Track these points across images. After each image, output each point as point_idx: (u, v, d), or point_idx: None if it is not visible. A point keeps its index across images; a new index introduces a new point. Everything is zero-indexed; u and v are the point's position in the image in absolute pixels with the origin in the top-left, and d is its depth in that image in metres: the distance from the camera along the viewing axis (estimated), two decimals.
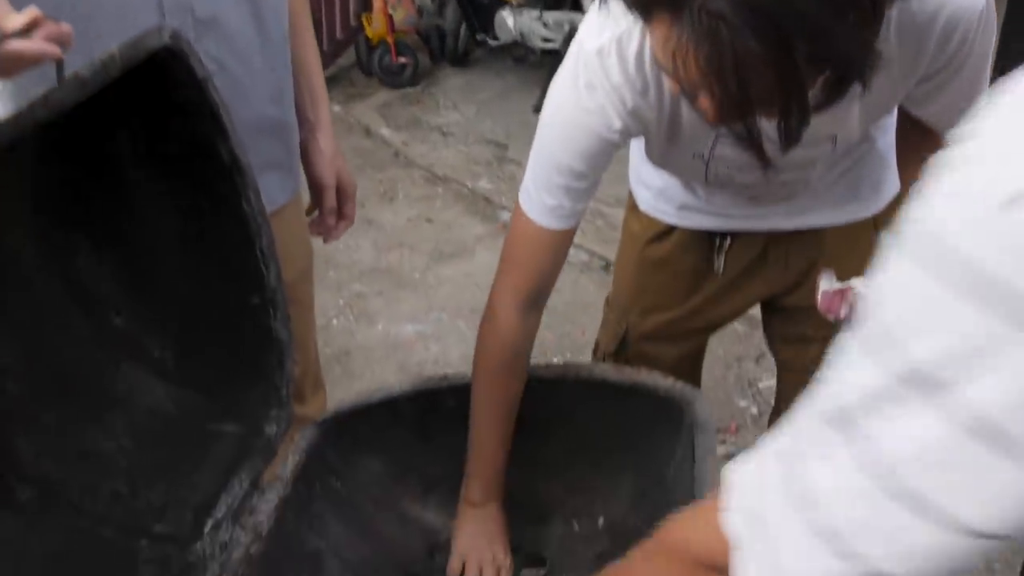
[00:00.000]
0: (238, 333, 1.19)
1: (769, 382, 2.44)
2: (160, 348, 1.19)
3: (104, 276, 1.13)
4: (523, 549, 1.34)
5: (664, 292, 1.45)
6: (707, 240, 1.38)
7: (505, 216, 3.27)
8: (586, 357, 2.57)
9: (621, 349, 1.51)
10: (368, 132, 3.97)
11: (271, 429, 1.22)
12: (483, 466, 1.23)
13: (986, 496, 0.39)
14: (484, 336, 1.21)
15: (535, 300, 1.20)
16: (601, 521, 1.30)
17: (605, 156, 1.09)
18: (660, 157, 1.20)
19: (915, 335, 0.39)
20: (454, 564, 1.23)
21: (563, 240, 1.15)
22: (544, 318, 2.83)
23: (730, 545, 0.51)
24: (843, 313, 1.08)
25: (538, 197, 1.10)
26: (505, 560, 1.22)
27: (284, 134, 1.38)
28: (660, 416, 1.26)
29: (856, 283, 1.08)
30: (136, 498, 1.10)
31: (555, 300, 2.85)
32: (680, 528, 0.64)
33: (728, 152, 1.10)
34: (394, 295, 2.87)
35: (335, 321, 2.73)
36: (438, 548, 1.33)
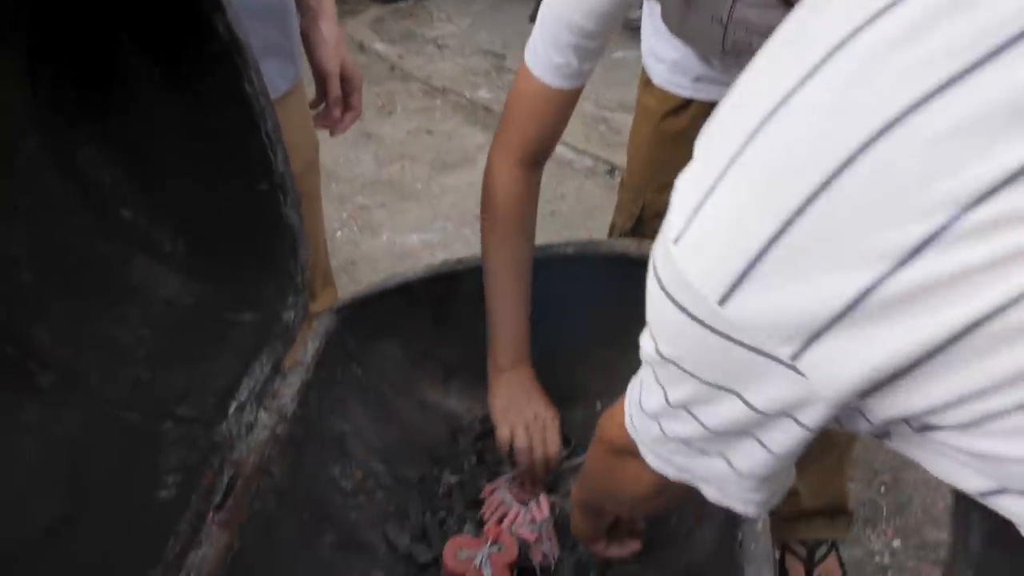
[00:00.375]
0: (249, 222, 1.17)
1: None
2: (171, 241, 1.16)
3: (109, 169, 1.09)
4: None
5: (680, 167, 1.42)
6: None
7: None
8: None
9: (637, 227, 1.49)
10: (362, 47, 3.88)
11: (288, 316, 1.21)
12: (506, 329, 1.19)
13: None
14: (488, 199, 1.18)
15: (536, 159, 1.16)
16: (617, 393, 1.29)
17: (616, 16, 1.04)
18: (677, 24, 1.15)
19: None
20: (502, 433, 1.18)
21: (568, 100, 1.12)
22: (550, 223, 2.80)
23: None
24: None
25: (545, 55, 1.06)
26: (548, 412, 1.18)
27: (281, 17, 1.33)
28: None
29: None
30: (157, 384, 1.08)
31: (561, 206, 2.84)
32: (606, 420, 0.76)
33: (749, 14, 1.06)
34: (397, 206, 2.83)
35: (339, 233, 2.70)
36: (461, 431, 1.32)
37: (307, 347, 1.22)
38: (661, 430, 0.59)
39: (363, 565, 1.10)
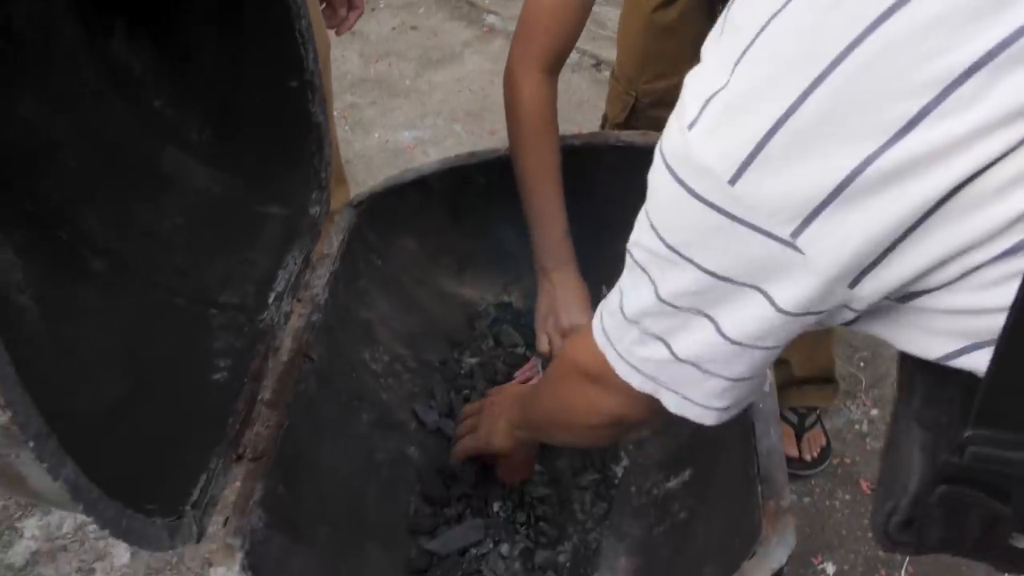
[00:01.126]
0: (277, 117, 1.20)
1: None
2: (199, 131, 1.19)
3: (141, 58, 1.12)
4: None
5: (671, 58, 1.46)
6: (712, 3, 1.38)
7: (490, 19, 3.19)
8: None
9: (631, 118, 1.53)
10: None
11: (315, 210, 1.25)
12: (547, 230, 1.22)
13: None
14: (514, 108, 1.21)
15: (559, 65, 1.20)
16: None
17: None
18: None
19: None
20: (540, 342, 1.22)
21: (586, 3, 1.15)
22: None
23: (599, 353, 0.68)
24: None
25: None
26: (583, 320, 1.18)
27: None
28: None
29: None
30: (198, 272, 1.13)
31: None
32: (574, 342, 0.80)
33: None
34: (387, 104, 2.84)
35: None
36: (477, 317, 1.39)
37: (332, 241, 1.27)
38: (640, 331, 0.61)
39: (397, 440, 1.19)
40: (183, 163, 1.21)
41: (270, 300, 1.15)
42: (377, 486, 1.12)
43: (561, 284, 1.21)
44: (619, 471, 1.18)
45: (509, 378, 1.29)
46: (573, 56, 2.96)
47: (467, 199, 1.38)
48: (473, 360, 1.31)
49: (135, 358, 1.02)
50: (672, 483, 1.10)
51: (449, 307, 1.41)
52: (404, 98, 2.85)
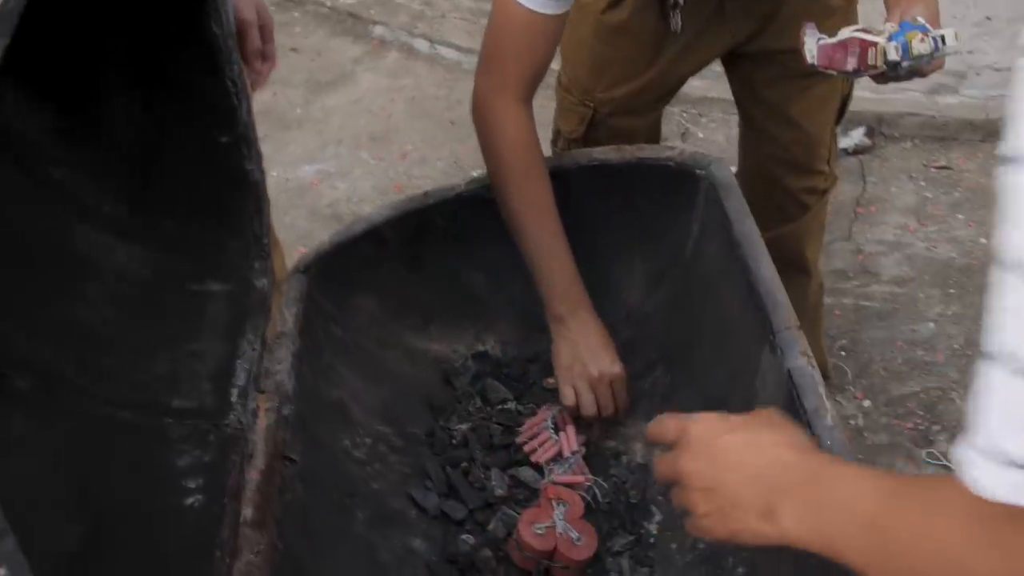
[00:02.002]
0: (207, 179, 1.09)
1: None
2: (112, 203, 1.07)
3: (34, 120, 0.99)
4: (541, 357, 1.34)
5: (627, 61, 1.42)
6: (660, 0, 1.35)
7: (378, 31, 3.09)
8: None
9: (591, 131, 1.48)
10: None
11: (261, 283, 1.15)
12: (555, 274, 1.17)
13: None
14: (495, 144, 1.15)
15: (533, 91, 1.15)
16: (623, 311, 1.31)
17: None
18: None
19: None
20: (566, 393, 1.17)
21: (561, 23, 1.10)
22: (452, 133, 2.74)
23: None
24: (850, 65, 1.08)
25: None
26: (614, 369, 1.17)
27: None
28: (669, 191, 1.25)
29: (855, 33, 1.07)
30: (139, 372, 1.02)
31: (456, 113, 2.78)
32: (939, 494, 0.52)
33: None
34: (280, 137, 2.71)
35: None
36: (454, 374, 1.31)
37: (284, 315, 1.17)
38: None
39: (399, 535, 1.10)
40: (98, 242, 1.09)
41: (233, 397, 1.04)
42: None
43: (580, 330, 1.16)
44: (653, 528, 1.13)
45: (507, 440, 1.21)
46: (472, 57, 2.90)
47: (426, 245, 1.31)
48: (463, 426, 1.23)
49: (86, 493, 0.90)
50: None
51: (421, 367, 1.32)
52: (297, 129, 2.72)
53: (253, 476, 0.98)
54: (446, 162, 2.58)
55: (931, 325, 1.96)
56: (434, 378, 1.32)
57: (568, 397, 1.16)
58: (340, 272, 1.25)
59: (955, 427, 1.73)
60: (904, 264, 2.12)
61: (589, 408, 1.15)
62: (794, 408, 0.91)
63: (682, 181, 1.23)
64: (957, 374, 1.83)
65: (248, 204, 1.11)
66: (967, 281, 2.05)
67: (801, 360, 0.93)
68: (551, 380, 1.32)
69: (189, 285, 1.13)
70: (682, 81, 1.49)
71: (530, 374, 1.32)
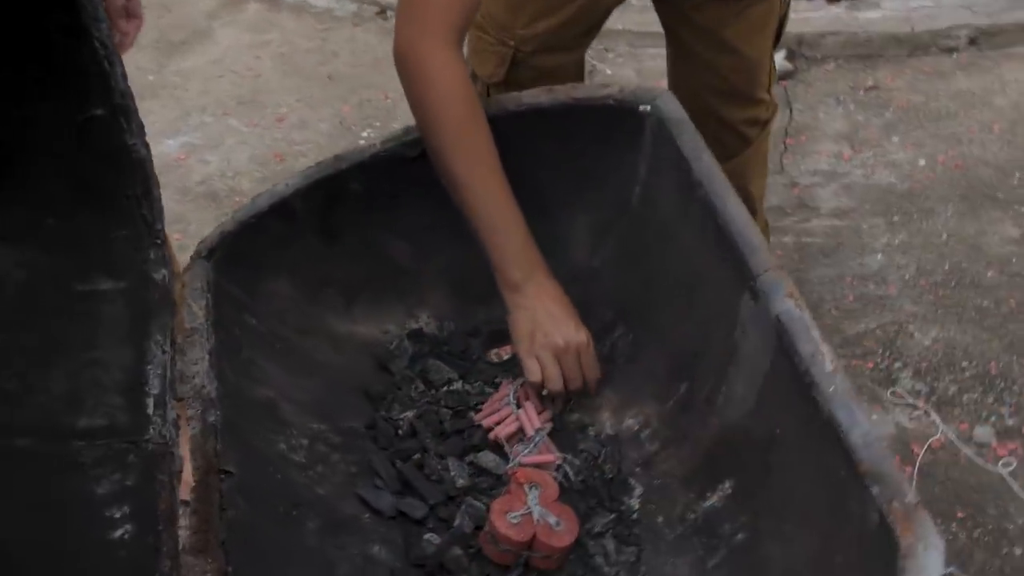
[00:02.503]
0: (82, 161, 1.04)
1: None
2: None
3: None
4: (482, 330, 1.34)
5: None
6: None
7: None
8: (400, 122, 2.51)
9: (513, 73, 1.47)
10: None
11: (160, 274, 1.10)
12: (505, 236, 1.16)
13: None
14: (425, 96, 1.12)
15: (463, 36, 1.14)
16: (568, 271, 1.31)
17: None
18: None
19: None
20: (530, 367, 1.16)
21: None
22: (331, 90, 2.70)
23: None
24: None
25: None
26: (579, 336, 1.16)
27: None
28: (610, 133, 1.26)
29: None
30: (32, 391, 0.98)
31: (336, 65, 2.73)
32: None
33: None
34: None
35: None
36: (389, 358, 1.30)
37: (192, 309, 1.14)
38: None
39: (356, 543, 1.08)
40: None
41: (149, 409, 1.00)
42: None
43: (538, 296, 1.15)
44: (635, 503, 1.14)
45: (460, 425, 1.21)
46: (350, 6, 2.85)
47: (341, 215, 1.28)
48: (408, 414, 1.22)
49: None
50: (711, 500, 1.07)
51: (350, 354, 1.30)
52: (152, 98, 2.63)
53: (186, 496, 0.95)
54: (329, 123, 2.54)
55: (879, 257, 2.04)
56: (366, 364, 1.30)
57: (533, 372, 1.15)
58: (247, 254, 1.22)
59: (918, 362, 1.81)
60: (842, 195, 2.20)
61: (555, 382, 1.16)
62: (787, 356, 0.94)
63: (624, 120, 1.24)
64: (913, 305, 1.92)
65: (133, 185, 1.06)
66: (910, 207, 2.14)
67: (788, 303, 0.96)
68: (495, 352, 1.32)
69: (75, 285, 1.08)
70: (608, 11, 1.49)
71: (473, 349, 1.32)
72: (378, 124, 2.51)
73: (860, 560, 0.85)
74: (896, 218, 2.12)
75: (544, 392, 1.20)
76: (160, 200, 1.12)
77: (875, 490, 0.82)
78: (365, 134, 2.48)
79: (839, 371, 0.90)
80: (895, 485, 0.82)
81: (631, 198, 1.28)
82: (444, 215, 1.25)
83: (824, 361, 0.91)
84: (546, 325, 1.14)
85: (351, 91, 2.60)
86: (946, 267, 1.99)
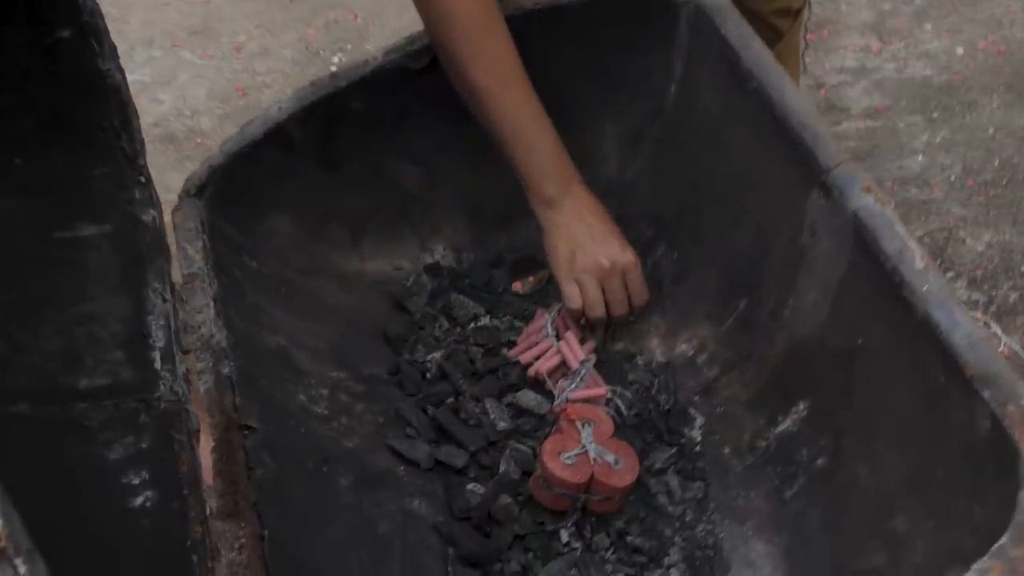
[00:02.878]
0: (51, 91, 1.02)
1: None
2: None
3: None
4: (506, 258, 1.33)
5: None
6: None
7: None
8: (374, 43, 2.46)
9: None
10: None
11: (150, 215, 1.09)
12: (534, 146, 1.13)
13: None
14: (438, 4, 1.09)
15: None
16: (599, 187, 1.29)
17: None
18: None
19: None
20: (569, 292, 1.15)
21: None
22: (291, 12, 2.63)
23: None
24: None
25: None
26: (624, 255, 1.14)
27: None
28: (640, 29, 1.23)
29: None
30: (23, 353, 0.96)
31: None
32: None
33: None
34: None
35: None
36: (406, 296, 1.28)
37: (188, 253, 1.12)
38: None
39: (394, 499, 1.07)
40: None
41: (156, 364, 0.99)
42: (399, 572, 1.01)
43: (576, 212, 1.14)
44: (696, 434, 1.14)
45: (493, 363, 1.20)
46: None
47: (342, 140, 1.26)
48: (435, 355, 1.21)
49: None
50: (784, 425, 1.07)
51: (362, 294, 1.29)
52: None
53: (208, 456, 0.94)
54: (294, 49, 2.48)
55: (920, 158, 2.02)
56: (381, 304, 1.29)
57: (573, 297, 1.14)
58: (241, 189, 1.20)
59: (972, 270, 1.80)
60: (874, 92, 2.18)
61: (598, 308, 1.14)
62: (870, 257, 0.92)
63: (655, 12, 1.21)
64: (961, 208, 1.91)
65: (110, 115, 1.05)
66: (951, 100, 2.12)
67: (868, 198, 0.94)
68: (520, 283, 1.31)
69: (55, 232, 1.06)
70: None
71: (497, 281, 1.31)
72: (349, 47, 2.46)
73: (968, 473, 0.85)
74: (936, 114, 2.11)
75: (582, 321, 1.18)
76: (141, 132, 1.10)
77: (986, 394, 0.81)
78: (336, 59, 2.42)
79: (931, 268, 0.89)
80: (1008, 387, 0.81)
81: (665, 100, 1.26)
82: (458, 133, 1.24)
83: (914, 258, 0.89)
84: (587, 244, 1.13)
85: (315, 12, 2.54)
86: (995, 164, 1.98)
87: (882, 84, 2.20)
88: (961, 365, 0.83)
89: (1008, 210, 1.90)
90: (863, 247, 0.94)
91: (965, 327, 0.84)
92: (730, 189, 1.17)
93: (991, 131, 2.05)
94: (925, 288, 0.88)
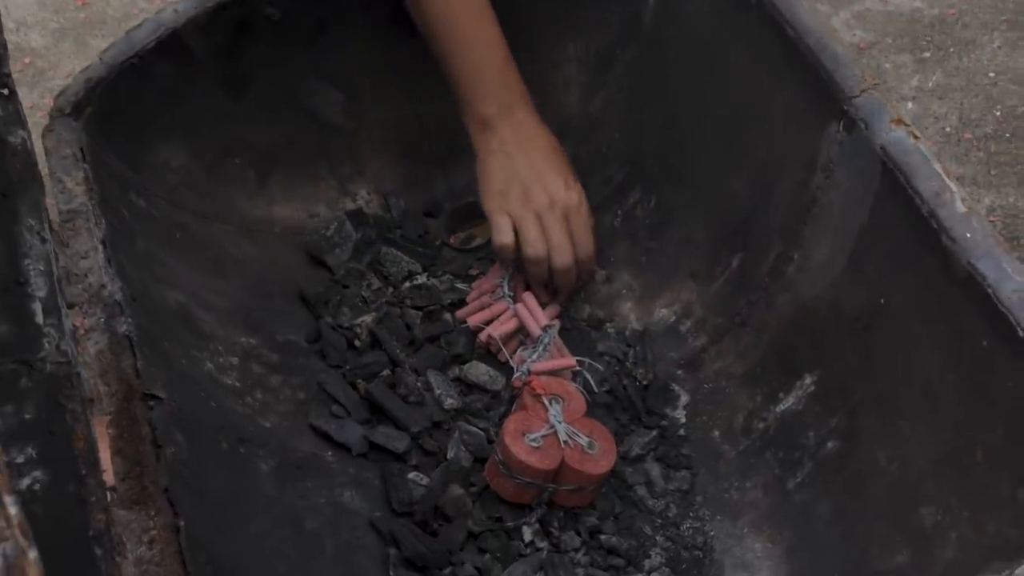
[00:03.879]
0: None
1: None
2: None
3: None
4: (443, 207, 1.34)
5: None
6: None
7: None
8: None
9: None
10: None
11: (17, 136, 1.04)
12: (479, 52, 1.16)
13: None
14: None
15: None
16: (557, 119, 1.31)
17: None
18: None
19: None
20: (500, 230, 1.17)
21: None
22: None
23: None
24: None
25: None
26: (567, 192, 1.17)
27: None
28: None
29: None
30: None
31: None
32: None
33: None
34: None
35: None
36: (323, 249, 1.28)
37: (65, 184, 1.10)
38: None
39: (322, 489, 1.07)
40: None
41: (38, 317, 0.96)
42: (332, 574, 1.02)
43: (518, 137, 1.17)
44: (680, 415, 1.17)
45: (435, 330, 1.22)
46: None
47: (252, 54, 1.27)
48: (364, 319, 1.21)
49: None
50: (786, 403, 1.10)
51: (271, 245, 1.29)
52: None
53: (106, 429, 0.93)
54: None
55: (909, 105, 2.09)
56: (294, 258, 1.29)
57: (503, 230, 1.16)
58: (127, 111, 1.19)
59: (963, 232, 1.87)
60: (855, 26, 2.24)
61: (536, 246, 1.16)
62: (901, 201, 0.95)
63: None
64: (958, 166, 1.98)
65: None
66: (944, 38, 2.20)
67: (899, 131, 0.97)
68: (457, 236, 1.32)
69: None
70: None
71: (434, 233, 1.32)
72: None
73: (1014, 453, 0.88)
74: (927, 54, 2.18)
75: (514, 268, 1.22)
76: (3, 32, 1.08)
77: None
78: None
79: (975, 213, 0.92)
80: None
81: (642, 14, 1.28)
82: (387, 48, 1.26)
83: (954, 201, 0.93)
84: (525, 175, 1.16)
85: None
86: (997, 115, 2.05)
87: (864, 17, 2.26)
88: (1013, 324, 0.86)
89: (1013, 168, 1.98)
90: (891, 189, 0.97)
91: (1016, 280, 0.88)
92: (723, 123, 1.19)
93: (992, 75, 2.13)
94: (968, 235, 0.91)
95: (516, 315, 1.19)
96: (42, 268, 1.00)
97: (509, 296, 1.20)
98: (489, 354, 1.19)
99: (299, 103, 1.30)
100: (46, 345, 0.96)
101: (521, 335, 1.19)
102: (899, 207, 0.97)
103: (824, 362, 1.08)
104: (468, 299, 1.23)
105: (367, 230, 1.30)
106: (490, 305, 1.20)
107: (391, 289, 1.26)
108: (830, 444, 1.06)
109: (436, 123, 1.28)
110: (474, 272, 1.28)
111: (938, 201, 0.93)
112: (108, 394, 0.96)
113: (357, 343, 1.20)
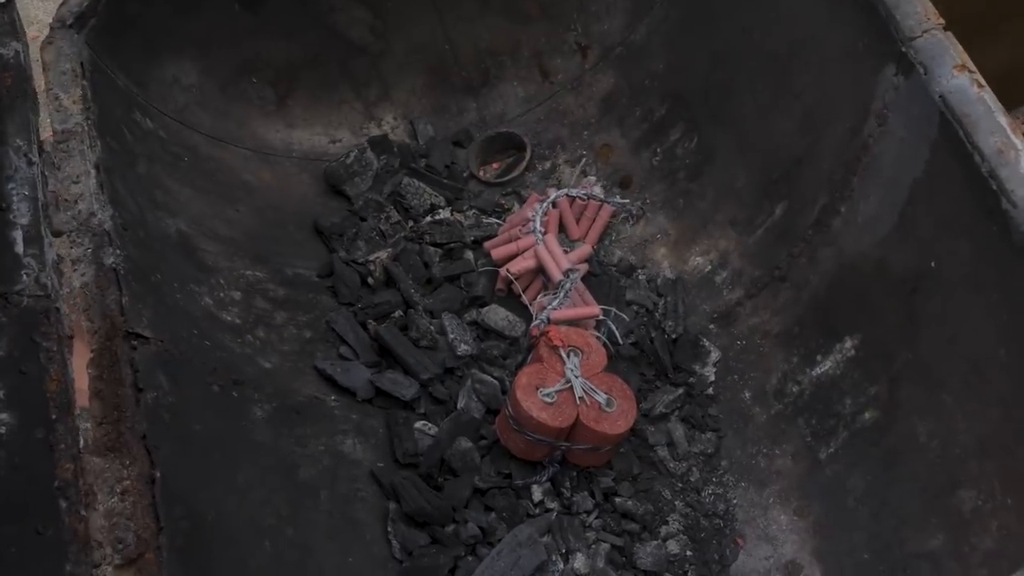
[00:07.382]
0: None
1: None
2: None
3: None
4: (473, 133, 1.28)
5: None
6: None
7: None
8: None
9: None
10: None
11: (10, 48, 1.05)
12: None
13: None
14: None
15: None
16: (598, 48, 1.25)
17: None
18: None
19: None
20: None
21: None
22: None
23: None
24: None
25: None
26: None
27: None
28: None
29: None
30: None
31: None
32: None
33: None
34: None
35: None
36: (344, 179, 1.24)
37: (61, 102, 1.05)
38: None
39: (321, 436, 1.03)
40: None
41: (18, 246, 0.93)
42: (325, 528, 0.98)
43: None
44: (709, 372, 1.11)
45: (455, 270, 1.17)
46: None
47: None
48: (380, 255, 1.17)
49: None
50: (824, 366, 1.05)
51: (287, 171, 1.25)
52: None
53: (84, 370, 0.89)
54: None
55: None
56: (312, 186, 1.25)
57: None
58: (135, 22, 1.14)
59: None
60: None
61: None
62: (959, 155, 0.89)
63: None
64: None
65: None
66: None
67: (962, 78, 0.90)
68: (486, 169, 1.28)
69: None
70: None
71: (461, 164, 1.27)
72: None
73: None
74: None
75: None
76: None
77: None
78: None
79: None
80: None
81: None
82: None
83: (1019, 160, 0.86)
84: None
85: None
86: None
87: None
88: None
89: None
90: (949, 143, 0.91)
91: None
92: (773, 61, 1.13)
93: None
94: None
95: (536, 255, 1.13)
96: (27, 193, 0.97)
97: (540, 232, 1.14)
98: (512, 296, 1.14)
99: (322, 19, 1.25)
100: (24, 277, 0.93)
101: (543, 277, 1.13)
102: (957, 163, 0.90)
103: (866, 325, 1.03)
104: (499, 231, 1.19)
105: (390, 158, 1.26)
106: (517, 239, 1.15)
107: (411, 223, 1.22)
108: (867, 414, 1.01)
109: (467, 43, 1.22)
110: (503, 207, 1.23)
111: (1000, 160, 0.86)
112: (91, 332, 0.92)
113: (371, 280, 1.16)
